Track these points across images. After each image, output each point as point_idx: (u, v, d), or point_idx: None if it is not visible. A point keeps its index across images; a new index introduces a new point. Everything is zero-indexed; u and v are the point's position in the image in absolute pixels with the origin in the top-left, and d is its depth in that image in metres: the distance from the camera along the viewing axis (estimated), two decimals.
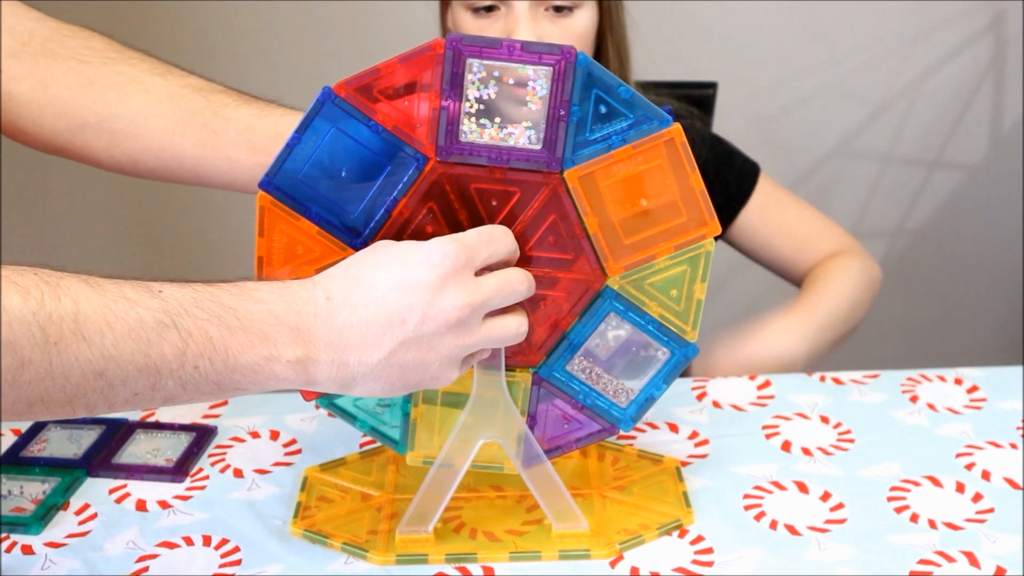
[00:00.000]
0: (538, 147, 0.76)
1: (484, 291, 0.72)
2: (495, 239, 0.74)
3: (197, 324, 0.65)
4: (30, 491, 0.92)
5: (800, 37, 2.03)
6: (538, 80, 0.75)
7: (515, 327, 0.74)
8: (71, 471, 0.93)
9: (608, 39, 1.15)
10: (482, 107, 0.75)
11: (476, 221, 0.78)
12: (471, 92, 0.75)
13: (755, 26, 2.00)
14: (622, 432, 0.87)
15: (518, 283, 0.74)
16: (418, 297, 0.69)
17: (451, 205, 0.77)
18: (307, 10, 2.04)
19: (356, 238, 0.77)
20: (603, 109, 0.76)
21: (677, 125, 0.77)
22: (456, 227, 0.78)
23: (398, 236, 0.77)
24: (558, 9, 1.09)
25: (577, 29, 1.10)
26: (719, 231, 0.80)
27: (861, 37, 2.02)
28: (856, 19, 2.00)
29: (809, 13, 2.00)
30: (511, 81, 0.75)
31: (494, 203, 0.78)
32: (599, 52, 1.16)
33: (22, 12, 0.89)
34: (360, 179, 0.76)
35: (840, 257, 1.25)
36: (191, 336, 0.65)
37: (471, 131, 0.76)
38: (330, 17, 2.06)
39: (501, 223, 0.78)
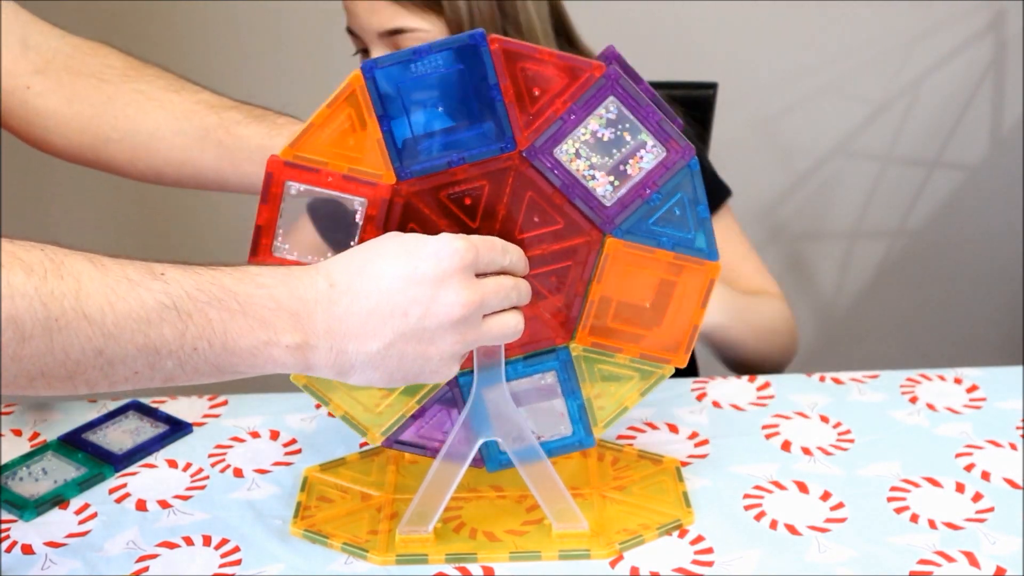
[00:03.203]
0: (607, 203, 0.78)
1: (484, 290, 0.72)
2: (508, 251, 0.75)
3: (197, 306, 0.66)
4: (56, 475, 0.93)
5: (800, 37, 2.03)
6: (649, 154, 0.77)
7: (513, 325, 0.75)
8: (101, 465, 0.94)
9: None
10: (590, 140, 0.77)
11: (509, 222, 0.79)
12: (592, 123, 0.76)
13: (755, 26, 2.00)
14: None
15: (511, 289, 0.75)
16: (422, 291, 0.70)
17: (501, 198, 0.78)
18: (307, 10, 2.04)
19: (403, 168, 0.77)
20: (677, 212, 0.78)
21: (717, 264, 0.79)
22: (491, 216, 0.79)
23: (437, 192, 0.77)
24: (395, 32, 1.07)
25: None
26: (684, 365, 0.83)
27: (861, 37, 2.02)
28: (856, 19, 2.00)
29: (809, 13, 2.00)
30: (629, 139, 0.77)
31: (536, 219, 0.79)
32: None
33: (47, 31, 0.93)
34: (448, 123, 0.76)
35: (769, 294, 1.22)
36: (191, 318, 0.66)
37: (566, 152, 0.77)
38: (332, 19, 2.05)
39: (528, 241, 0.79)
